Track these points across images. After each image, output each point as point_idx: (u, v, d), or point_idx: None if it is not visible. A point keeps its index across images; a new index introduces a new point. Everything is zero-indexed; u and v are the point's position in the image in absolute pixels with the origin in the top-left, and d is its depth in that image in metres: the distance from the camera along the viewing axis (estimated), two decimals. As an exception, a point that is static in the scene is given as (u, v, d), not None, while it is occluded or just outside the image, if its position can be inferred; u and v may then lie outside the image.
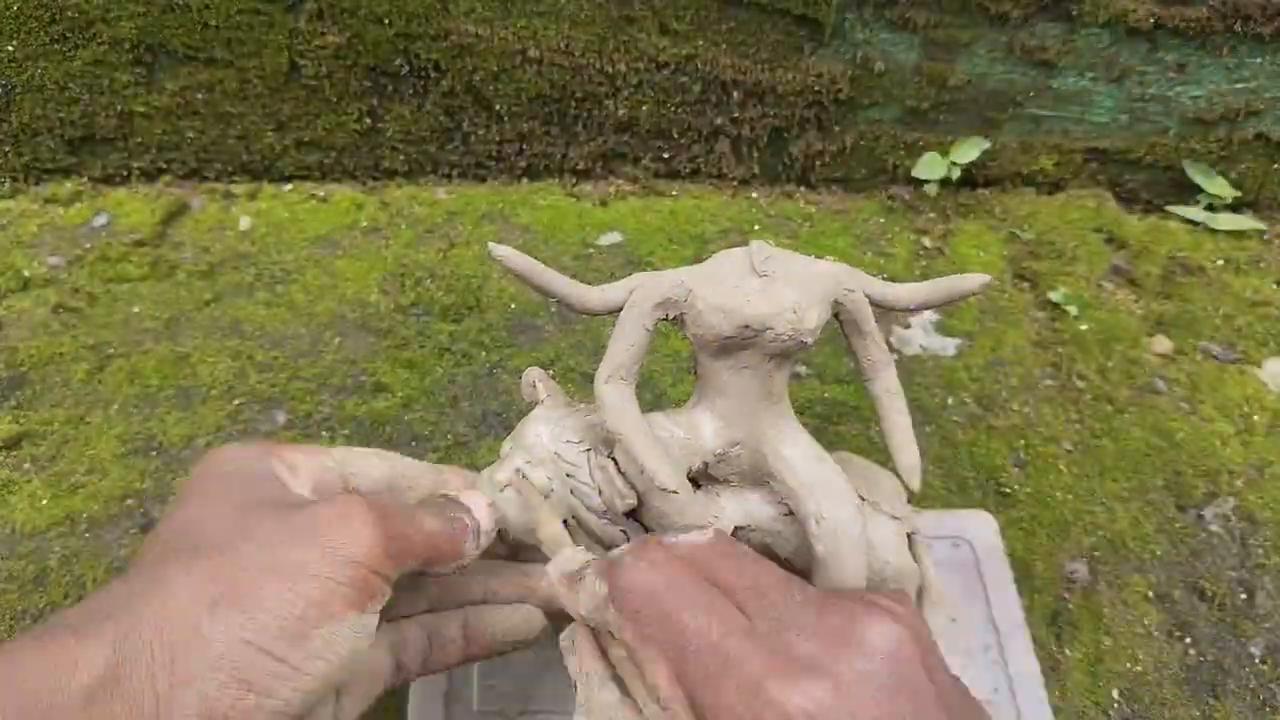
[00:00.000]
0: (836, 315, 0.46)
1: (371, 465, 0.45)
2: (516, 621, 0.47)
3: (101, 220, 0.84)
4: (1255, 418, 0.73)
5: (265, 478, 0.40)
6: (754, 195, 0.87)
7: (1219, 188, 0.85)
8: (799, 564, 0.46)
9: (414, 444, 0.69)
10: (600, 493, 0.46)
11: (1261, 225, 0.86)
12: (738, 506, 0.46)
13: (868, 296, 0.47)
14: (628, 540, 0.46)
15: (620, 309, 0.46)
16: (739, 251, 0.45)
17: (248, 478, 0.39)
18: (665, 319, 0.45)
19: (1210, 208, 0.87)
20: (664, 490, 0.43)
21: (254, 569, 0.34)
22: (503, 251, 0.44)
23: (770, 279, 0.44)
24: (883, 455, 0.47)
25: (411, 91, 0.81)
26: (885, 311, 0.48)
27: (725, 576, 0.36)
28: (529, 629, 0.47)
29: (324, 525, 0.36)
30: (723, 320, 0.43)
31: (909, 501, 0.49)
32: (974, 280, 0.46)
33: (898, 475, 0.47)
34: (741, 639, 0.33)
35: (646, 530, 0.47)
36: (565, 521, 0.47)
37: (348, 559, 0.35)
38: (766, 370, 0.45)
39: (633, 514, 0.46)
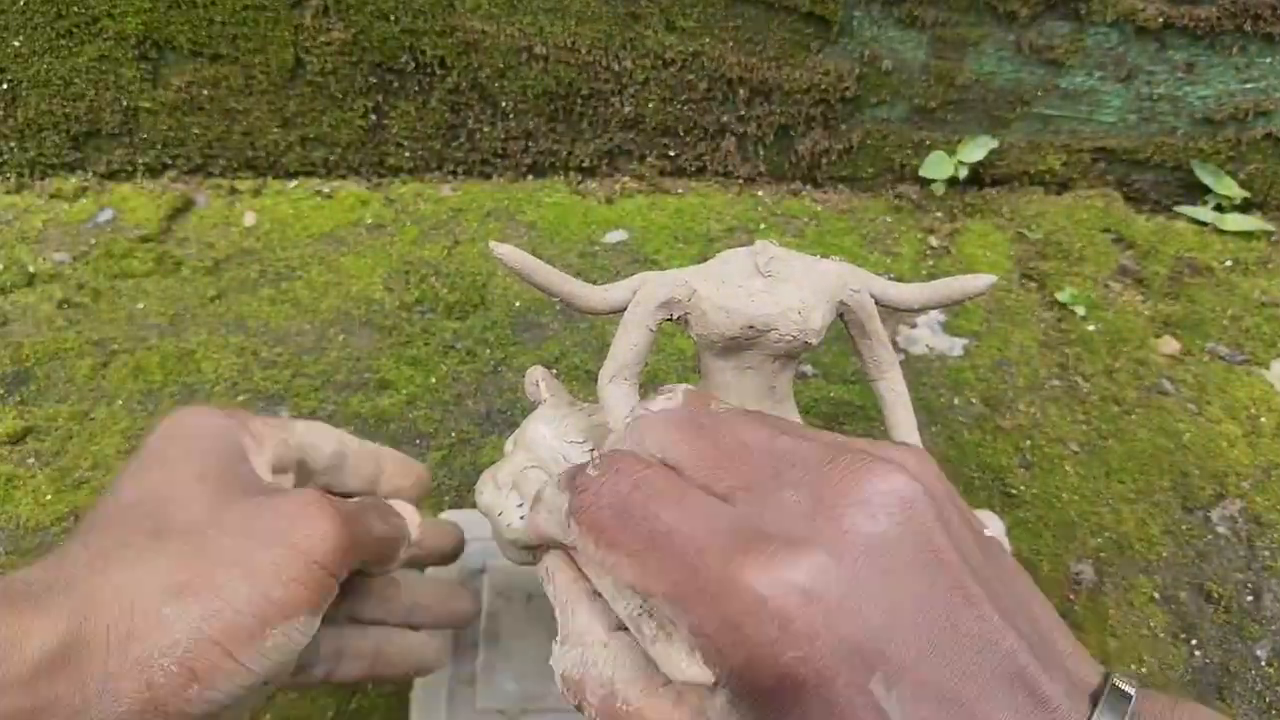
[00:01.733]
0: (841, 315, 0.46)
1: (324, 441, 0.45)
2: (428, 653, 0.47)
3: (106, 216, 0.84)
4: (1263, 419, 0.73)
5: (233, 452, 0.39)
6: (760, 193, 0.87)
7: (1227, 188, 0.84)
8: None
9: (418, 441, 0.69)
10: (603, 492, 0.46)
11: (1270, 226, 0.86)
12: None
13: (873, 296, 0.47)
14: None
15: (623, 308, 0.45)
16: (743, 251, 0.45)
17: (217, 450, 0.39)
18: (669, 319, 0.45)
19: (1219, 208, 0.86)
20: None
21: (222, 560, 0.34)
22: (504, 250, 0.44)
23: (774, 279, 0.43)
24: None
25: (417, 88, 0.81)
26: (891, 311, 0.48)
27: (702, 446, 0.30)
28: (437, 660, 0.48)
29: (292, 522, 0.36)
30: (727, 320, 0.43)
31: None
32: (980, 280, 0.46)
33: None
34: (712, 525, 0.27)
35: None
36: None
37: (311, 559, 0.35)
38: (770, 370, 0.45)
39: (636, 514, 0.46)
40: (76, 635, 0.31)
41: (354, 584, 0.45)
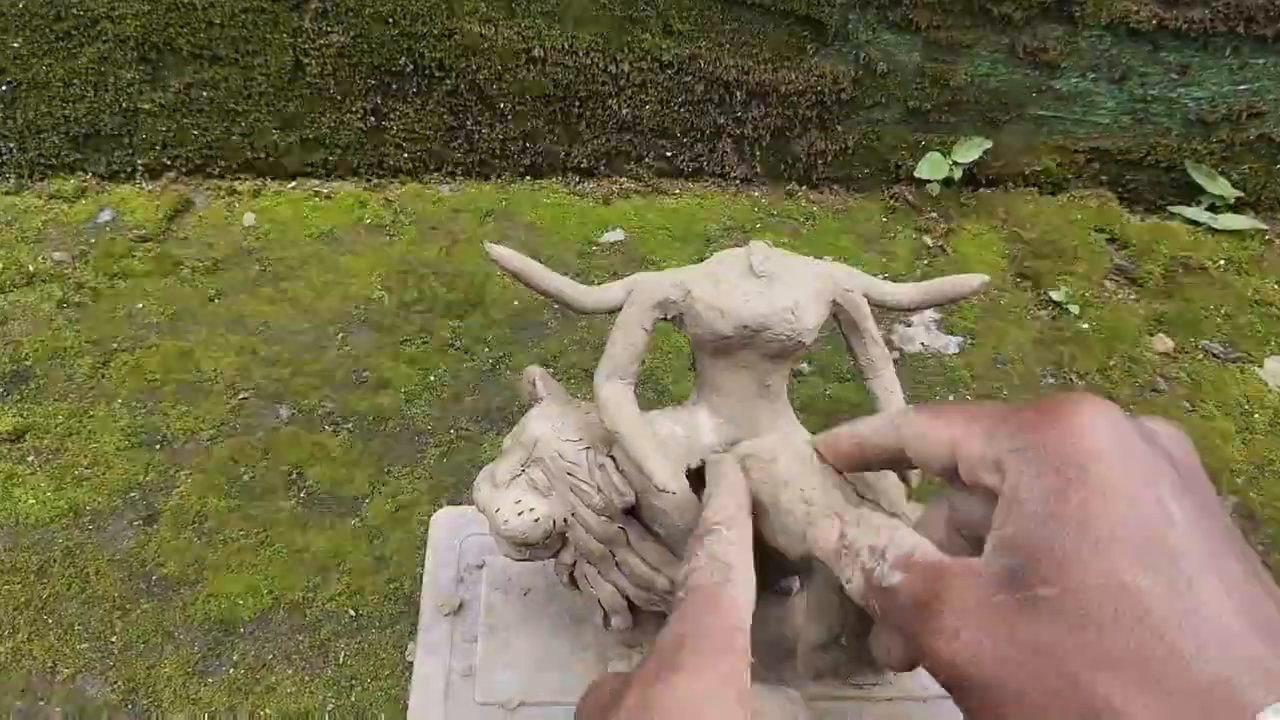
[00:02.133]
0: (835, 315, 0.47)
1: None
2: None
3: (106, 216, 0.84)
4: (1256, 416, 0.73)
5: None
6: (756, 194, 0.87)
7: (1221, 188, 0.85)
8: (799, 565, 0.46)
9: (416, 439, 0.69)
10: (599, 490, 0.46)
11: (1263, 225, 0.86)
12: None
13: (866, 296, 0.47)
14: (625, 537, 0.47)
15: (618, 309, 0.46)
16: (738, 252, 0.45)
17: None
18: (664, 319, 0.45)
19: (1212, 208, 0.87)
20: (661, 490, 0.43)
21: None
22: (499, 251, 0.44)
23: (769, 279, 0.44)
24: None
25: (415, 90, 0.81)
26: (885, 310, 0.48)
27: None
28: None
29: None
30: (721, 320, 0.43)
31: (909, 499, 0.49)
32: (973, 280, 0.46)
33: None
34: (1017, 403, 0.28)
35: (646, 528, 0.47)
36: (566, 519, 0.47)
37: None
38: (764, 369, 0.45)
39: (631, 511, 0.47)
40: None
41: None
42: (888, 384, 0.50)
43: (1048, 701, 0.25)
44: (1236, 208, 0.87)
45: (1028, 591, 0.25)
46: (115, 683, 0.57)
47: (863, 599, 0.31)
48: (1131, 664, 0.23)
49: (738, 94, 0.81)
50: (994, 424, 0.27)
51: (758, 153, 0.85)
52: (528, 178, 0.87)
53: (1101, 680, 0.24)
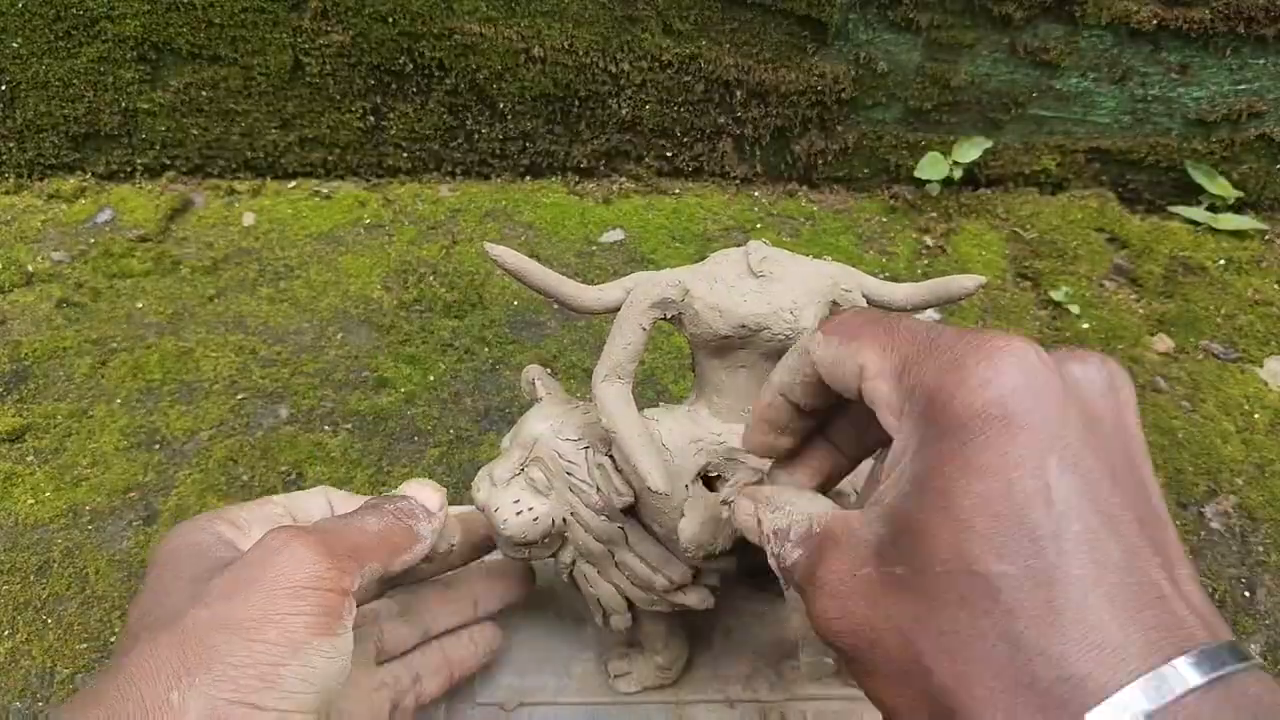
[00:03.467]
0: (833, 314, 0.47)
1: (314, 504, 0.45)
2: (490, 637, 0.50)
3: (105, 216, 0.84)
4: (1256, 416, 0.73)
5: (213, 544, 0.40)
6: (756, 194, 0.87)
7: (1221, 188, 0.85)
8: None
9: (416, 439, 0.69)
10: (598, 490, 0.46)
11: (1263, 225, 0.86)
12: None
13: (865, 296, 0.47)
14: (625, 537, 0.47)
15: (617, 308, 0.46)
16: (736, 252, 0.45)
17: (196, 548, 0.39)
18: (663, 318, 0.45)
19: (1212, 208, 0.87)
20: (653, 491, 0.43)
21: (208, 628, 0.34)
22: (499, 251, 0.44)
23: (767, 279, 0.44)
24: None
25: (415, 90, 0.81)
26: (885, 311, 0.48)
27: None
28: (496, 639, 0.51)
29: (263, 563, 0.36)
30: (719, 320, 0.43)
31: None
32: (970, 281, 0.47)
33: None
34: (943, 330, 0.28)
35: (645, 528, 0.47)
36: (565, 519, 0.47)
37: (296, 587, 0.35)
38: (764, 369, 0.45)
39: (629, 510, 0.47)
40: None
41: (414, 602, 0.47)
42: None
43: (896, 678, 0.25)
44: (1236, 208, 0.87)
45: (889, 567, 0.25)
46: (114, 683, 0.57)
47: (784, 584, 0.31)
48: (975, 653, 0.23)
49: (738, 93, 0.80)
50: (905, 359, 0.27)
51: (758, 152, 0.85)
52: (527, 178, 0.87)
53: (944, 665, 0.23)
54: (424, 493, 0.44)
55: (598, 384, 0.45)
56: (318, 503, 0.46)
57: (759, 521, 0.33)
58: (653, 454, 0.43)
